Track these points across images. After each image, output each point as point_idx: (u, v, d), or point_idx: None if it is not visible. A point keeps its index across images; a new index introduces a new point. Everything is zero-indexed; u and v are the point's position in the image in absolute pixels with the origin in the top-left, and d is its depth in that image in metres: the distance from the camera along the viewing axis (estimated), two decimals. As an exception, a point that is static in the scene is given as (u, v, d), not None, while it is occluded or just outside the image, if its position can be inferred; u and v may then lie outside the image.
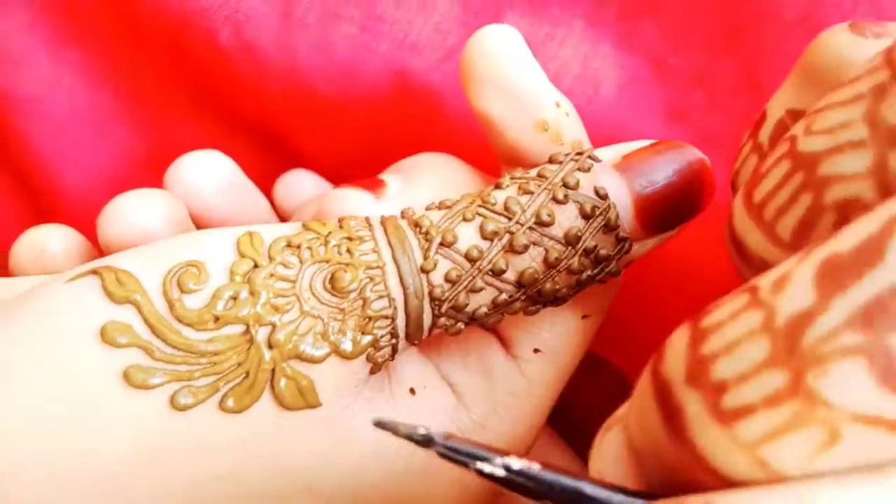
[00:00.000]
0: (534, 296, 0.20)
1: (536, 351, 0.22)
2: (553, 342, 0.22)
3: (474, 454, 0.12)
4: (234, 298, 0.18)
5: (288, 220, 0.28)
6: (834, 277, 0.10)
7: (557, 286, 0.20)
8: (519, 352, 0.22)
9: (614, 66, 0.26)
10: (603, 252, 0.20)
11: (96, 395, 0.17)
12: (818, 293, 0.10)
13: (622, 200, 0.20)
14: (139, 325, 0.18)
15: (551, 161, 0.21)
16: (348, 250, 0.19)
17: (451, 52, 0.27)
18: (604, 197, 0.20)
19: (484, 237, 0.19)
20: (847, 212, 0.13)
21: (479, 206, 0.20)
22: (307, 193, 0.29)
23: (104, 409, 0.17)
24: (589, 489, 0.12)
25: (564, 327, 0.22)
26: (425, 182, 0.23)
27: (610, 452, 0.13)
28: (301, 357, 0.18)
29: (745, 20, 0.25)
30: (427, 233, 0.19)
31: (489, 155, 0.23)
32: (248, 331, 0.18)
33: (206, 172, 0.24)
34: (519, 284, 0.19)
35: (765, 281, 0.11)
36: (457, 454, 0.12)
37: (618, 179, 0.20)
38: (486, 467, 0.12)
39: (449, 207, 0.20)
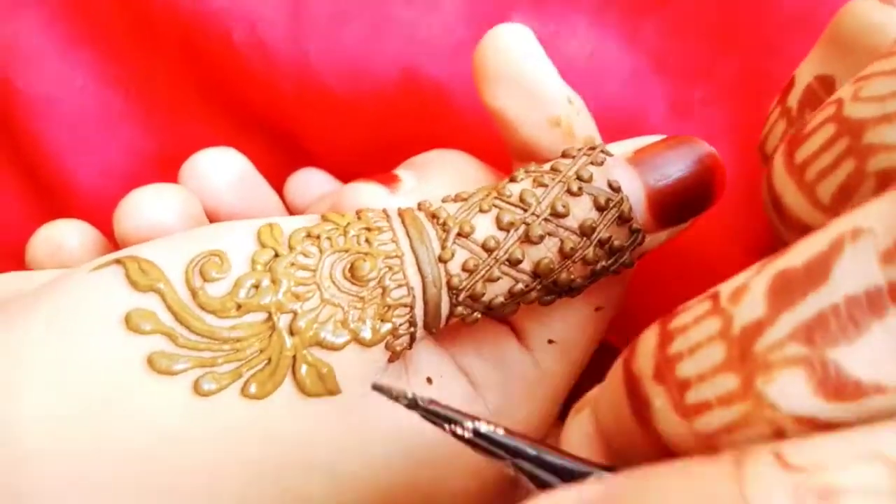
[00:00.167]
0: (549, 286, 0.20)
1: (550, 342, 0.22)
2: (566, 333, 0.22)
3: (449, 417, 0.14)
4: (256, 287, 0.18)
5: (300, 217, 0.29)
6: (784, 293, 0.11)
7: (572, 276, 0.20)
8: (533, 343, 0.22)
9: (618, 62, 0.27)
10: (617, 243, 0.20)
11: (121, 380, 0.18)
12: (769, 306, 0.11)
13: (635, 193, 0.20)
14: (163, 312, 0.18)
15: (564, 156, 0.21)
16: (367, 240, 0.19)
17: (460, 49, 0.27)
18: (617, 190, 0.20)
19: (500, 228, 0.20)
20: (888, 181, 0.13)
21: (495, 197, 0.20)
22: (318, 191, 0.29)
23: (128, 395, 0.18)
24: (549, 456, 0.13)
25: (578, 319, 0.22)
26: (438, 177, 0.23)
27: (580, 431, 0.14)
28: (322, 344, 0.18)
29: (745, 17, 0.26)
30: (444, 223, 0.20)
31: (499, 151, 0.23)
32: (270, 318, 0.18)
33: (221, 168, 0.25)
34: (535, 274, 0.20)
35: (725, 288, 0.12)
36: (436, 417, 0.14)
37: (631, 173, 0.20)
38: (457, 430, 0.14)
39: (465, 199, 0.20)
